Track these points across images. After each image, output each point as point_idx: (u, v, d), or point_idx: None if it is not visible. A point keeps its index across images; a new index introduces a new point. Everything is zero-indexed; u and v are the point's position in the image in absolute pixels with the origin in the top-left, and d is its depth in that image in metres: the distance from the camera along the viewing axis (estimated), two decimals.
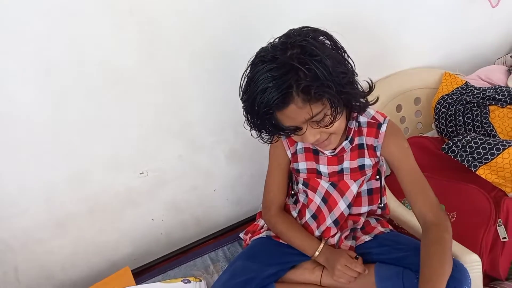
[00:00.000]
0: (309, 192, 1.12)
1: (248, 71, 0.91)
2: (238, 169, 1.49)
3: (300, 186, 1.14)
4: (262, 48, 0.91)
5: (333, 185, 1.09)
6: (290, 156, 1.11)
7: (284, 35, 0.89)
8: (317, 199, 1.11)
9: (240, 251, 1.37)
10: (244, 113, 0.95)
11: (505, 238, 1.16)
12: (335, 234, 1.11)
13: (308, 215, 1.13)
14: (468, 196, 1.23)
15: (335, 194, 1.09)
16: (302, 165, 1.10)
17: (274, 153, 1.13)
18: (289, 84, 0.82)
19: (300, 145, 1.09)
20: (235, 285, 1.04)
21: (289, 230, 1.12)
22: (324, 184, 1.09)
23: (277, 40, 0.89)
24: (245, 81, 0.91)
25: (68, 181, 1.21)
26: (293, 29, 0.90)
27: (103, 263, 1.44)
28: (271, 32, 0.90)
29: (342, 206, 1.09)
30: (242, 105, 0.94)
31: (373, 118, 1.04)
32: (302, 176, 1.11)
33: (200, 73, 1.21)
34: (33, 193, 1.19)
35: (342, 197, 1.08)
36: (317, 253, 1.07)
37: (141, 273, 1.37)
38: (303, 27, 0.90)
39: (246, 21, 1.20)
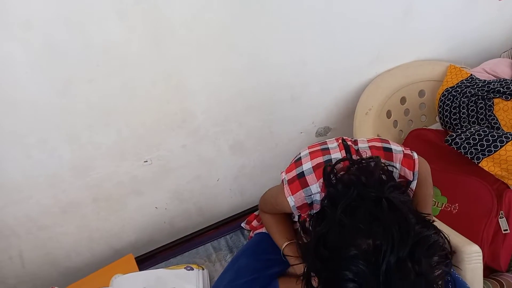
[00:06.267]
0: None
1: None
2: (241, 159, 1.50)
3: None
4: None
5: None
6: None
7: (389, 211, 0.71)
8: None
9: (242, 240, 1.38)
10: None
11: (506, 230, 1.16)
12: None
13: None
14: (471, 188, 1.23)
15: None
16: None
17: (283, 206, 0.93)
18: None
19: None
20: (240, 285, 1.03)
21: (271, 225, 1.09)
22: None
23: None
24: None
25: (72, 168, 1.22)
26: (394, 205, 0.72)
27: (107, 250, 1.45)
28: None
29: None
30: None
31: None
32: None
33: (204, 62, 1.21)
34: (38, 180, 1.20)
35: None
36: (282, 252, 1.04)
37: (144, 260, 1.39)
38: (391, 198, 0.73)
39: (250, 10, 1.19)
